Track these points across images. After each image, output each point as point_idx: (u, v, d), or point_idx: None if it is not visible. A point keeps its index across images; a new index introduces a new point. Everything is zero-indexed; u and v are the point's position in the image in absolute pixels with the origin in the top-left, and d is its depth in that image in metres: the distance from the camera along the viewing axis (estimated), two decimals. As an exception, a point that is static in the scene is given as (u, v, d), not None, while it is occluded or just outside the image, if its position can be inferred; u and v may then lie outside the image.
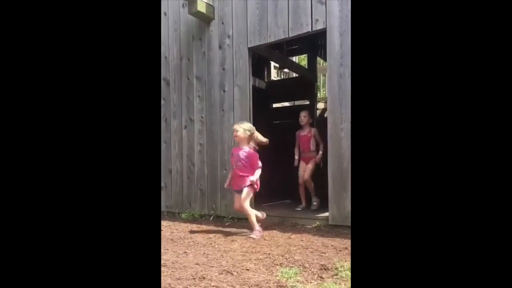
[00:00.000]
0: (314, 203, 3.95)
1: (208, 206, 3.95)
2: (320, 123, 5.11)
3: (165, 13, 4.26)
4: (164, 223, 3.63)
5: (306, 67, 6.86)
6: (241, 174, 3.01)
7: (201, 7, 3.68)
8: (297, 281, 1.78)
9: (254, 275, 1.90)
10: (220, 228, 3.35)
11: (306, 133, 4.09)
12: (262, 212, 3.19)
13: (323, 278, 1.83)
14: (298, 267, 2.02)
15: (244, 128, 3.05)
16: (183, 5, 4.08)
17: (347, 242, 2.59)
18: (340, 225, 3.07)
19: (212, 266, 2.07)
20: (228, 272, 1.95)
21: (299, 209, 3.93)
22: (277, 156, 4.08)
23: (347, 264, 2.01)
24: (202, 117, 4.02)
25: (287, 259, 2.22)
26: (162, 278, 1.82)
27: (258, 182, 3.07)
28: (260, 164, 3.04)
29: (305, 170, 4.04)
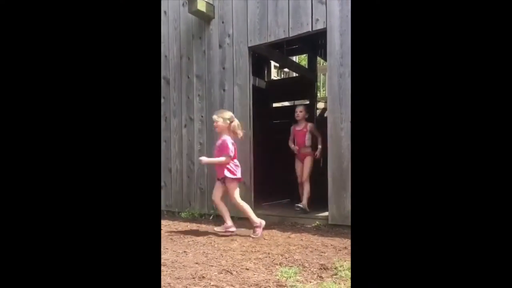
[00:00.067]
0: (301, 204, 3.71)
1: (208, 205, 3.95)
2: (320, 122, 5.11)
3: (165, 12, 4.25)
4: (164, 222, 3.63)
5: (306, 66, 6.86)
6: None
7: (201, 6, 3.67)
8: (297, 281, 1.78)
9: (254, 274, 1.90)
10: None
11: (302, 128, 4.02)
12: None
13: (322, 278, 1.83)
14: (297, 267, 2.02)
15: (224, 117, 2.99)
16: (183, 4, 4.08)
17: (347, 242, 2.59)
18: (340, 224, 3.07)
19: (212, 266, 2.07)
20: (227, 271, 1.95)
21: (300, 205, 3.76)
22: (277, 156, 4.08)
23: (347, 264, 2.02)
24: (202, 116, 4.02)
25: (286, 258, 2.22)
26: (161, 277, 1.82)
27: (232, 172, 2.94)
28: (229, 152, 2.92)
29: (299, 169, 3.98)
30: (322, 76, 7.03)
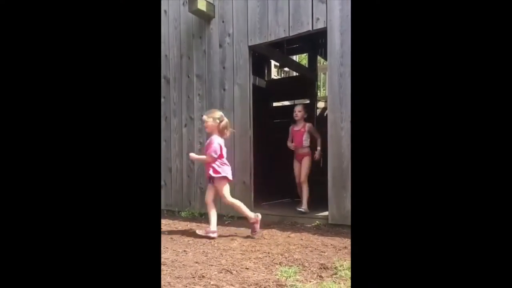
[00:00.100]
0: (302, 209, 3.66)
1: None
2: (320, 122, 5.11)
3: (165, 11, 4.25)
4: (164, 222, 3.63)
5: (307, 66, 6.86)
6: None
7: (201, 5, 3.67)
8: (297, 280, 1.78)
9: (254, 274, 1.90)
10: (220, 227, 3.34)
11: (300, 128, 3.96)
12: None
13: (322, 277, 1.83)
14: (297, 266, 2.02)
15: (213, 117, 2.95)
16: (183, 3, 4.08)
17: (347, 241, 2.59)
18: (340, 224, 3.07)
19: (212, 265, 2.07)
20: (227, 271, 1.95)
21: (302, 209, 3.66)
22: (277, 155, 4.08)
23: (347, 263, 2.02)
24: (202, 115, 4.01)
25: (286, 258, 2.22)
26: (161, 276, 1.82)
27: (216, 171, 2.89)
28: (211, 151, 2.87)
29: (297, 169, 3.94)
30: (322, 75, 7.03)
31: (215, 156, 2.88)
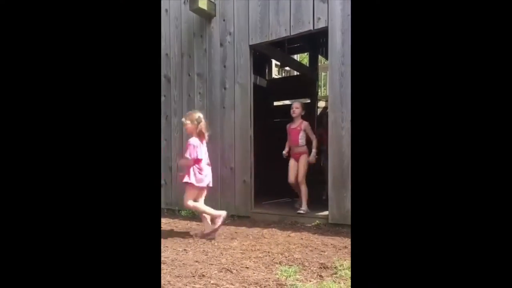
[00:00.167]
0: (302, 210, 3.58)
1: (208, 203, 3.95)
2: (320, 121, 5.10)
3: (166, 10, 4.24)
4: (164, 220, 3.63)
5: (308, 65, 6.86)
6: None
7: (202, 4, 3.67)
8: (297, 280, 1.78)
9: (254, 273, 1.90)
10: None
11: (296, 126, 3.85)
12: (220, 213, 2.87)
13: (322, 277, 1.83)
14: (297, 266, 2.02)
15: (192, 119, 2.86)
16: (184, 2, 4.07)
17: (347, 241, 2.59)
18: (340, 223, 3.07)
19: (212, 264, 2.07)
20: (227, 270, 1.95)
21: (301, 211, 3.57)
22: (277, 154, 4.06)
23: (347, 263, 2.01)
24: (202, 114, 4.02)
25: (286, 257, 2.22)
26: (161, 275, 1.82)
27: (190, 176, 2.79)
28: (190, 154, 2.77)
29: (293, 168, 3.81)
30: (323, 75, 7.02)
31: (188, 157, 2.77)
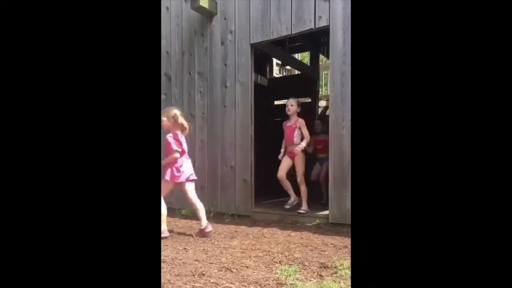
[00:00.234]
0: (302, 210, 3.56)
1: (208, 202, 3.95)
2: (321, 120, 5.09)
3: (167, 8, 4.24)
4: (164, 219, 3.63)
5: (309, 64, 6.85)
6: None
7: (203, 2, 3.66)
8: (297, 279, 1.77)
9: (254, 272, 1.90)
10: (220, 225, 3.34)
11: (292, 123, 3.71)
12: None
13: (322, 276, 1.83)
14: (297, 265, 2.01)
15: (168, 116, 2.86)
16: (185, 0, 4.06)
17: (347, 241, 2.58)
18: (340, 223, 3.07)
19: (212, 263, 2.07)
20: (227, 269, 1.95)
21: (302, 211, 3.54)
22: (277, 153, 4.05)
23: (347, 263, 2.01)
24: (203, 113, 4.01)
25: (286, 256, 2.21)
26: (161, 274, 1.82)
27: (173, 171, 2.81)
28: (173, 152, 2.78)
29: (284, 164, 3.72)
30: (324, 74, 7.02)
31: (178, 149, 2.80)
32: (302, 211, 3.53)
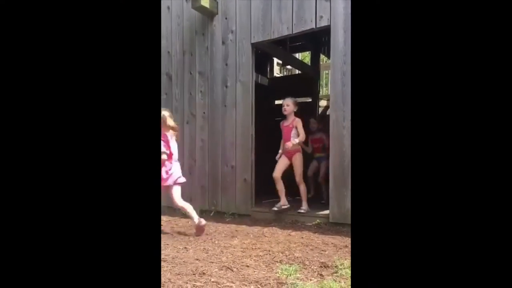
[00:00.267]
0: (302, 210, 3.54)
1: (208, 202, 3.96)
2: (321, 120, 5.09)
3: (168, 7, 4.24)
4: (164, 218, 3.63)
5: (309, 64, 6.85)
6: None
7: (204, 1, 3.66)
8: (297, 278, 1.78)
9: (254, 271, 1.90)
10: (221, 224, 3.35)
11: (289, 123, 3.64)
12: None
13: (323, 276, 1.83)
14: (298, 264, 2.02)
15: None
16: (186, 0, 4.07)
17: (347, 240, 2.58)
18: (341, 223, 3.07)
19: (212, 262, 2.07)
20: (228, 268, 1.95)
21: (302, 210, 3.52)
22: (277, 154, 4.05)
23: (347, 262, 2.01)
24: (204, 112, 4.01)
25: (287, 256, 2.22)
26: (162, 273, 1.82)
27: (162, 174, 2.81)
28: (166, 149, 2.79)
29: (281, 164, 3.68)
30: (325, 74, 7.01)
31: (166, 151, 2.80)
32: (302, 211, 3.52)
